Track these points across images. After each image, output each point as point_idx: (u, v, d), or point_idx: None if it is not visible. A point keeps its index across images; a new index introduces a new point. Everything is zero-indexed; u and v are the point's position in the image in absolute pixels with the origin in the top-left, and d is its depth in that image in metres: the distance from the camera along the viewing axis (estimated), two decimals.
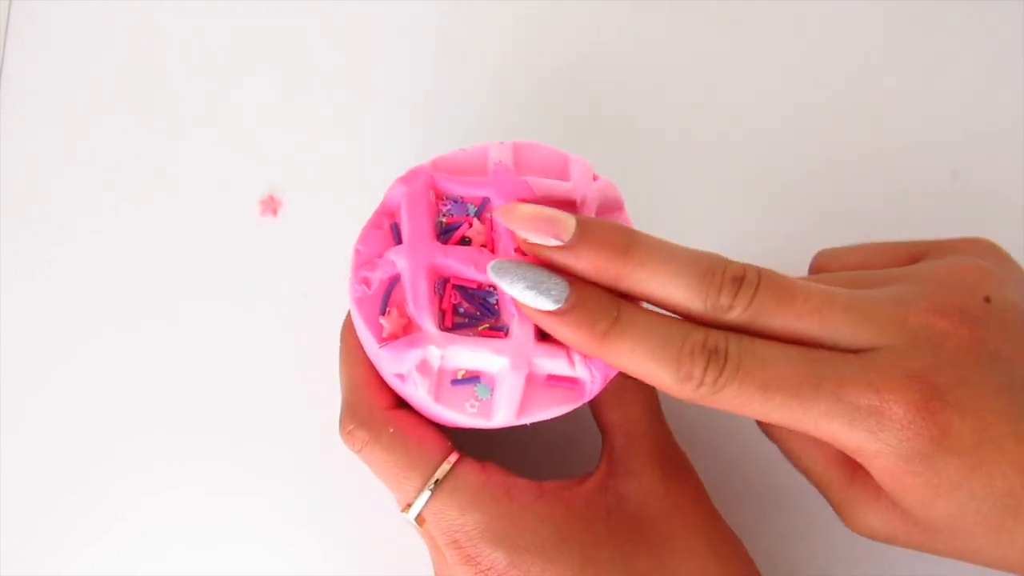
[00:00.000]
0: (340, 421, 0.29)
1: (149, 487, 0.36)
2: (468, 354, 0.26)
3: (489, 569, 0.27)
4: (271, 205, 0.39)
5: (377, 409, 0.29)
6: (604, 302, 0.24)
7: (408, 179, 0.28)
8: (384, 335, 0.26)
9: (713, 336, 0.24)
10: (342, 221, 0.38)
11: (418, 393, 0.26)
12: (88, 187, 0.39)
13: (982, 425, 0.23)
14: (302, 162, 0.39)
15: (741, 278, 0.24)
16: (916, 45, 0.41)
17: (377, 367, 0.28)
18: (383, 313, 0.27)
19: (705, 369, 0.23)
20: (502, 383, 0.26)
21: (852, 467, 0.27)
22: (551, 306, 0.24)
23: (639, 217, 0.30)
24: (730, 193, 0.39)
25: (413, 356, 0.26)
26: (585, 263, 0.24)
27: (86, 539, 0.36)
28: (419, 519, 0.28)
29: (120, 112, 0.40)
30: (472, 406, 0.26)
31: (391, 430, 0.28)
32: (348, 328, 0.31)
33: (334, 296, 0.38)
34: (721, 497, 0.31)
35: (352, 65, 0.41)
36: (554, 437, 0.34)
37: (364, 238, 0.28)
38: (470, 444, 0.30)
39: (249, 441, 0.36)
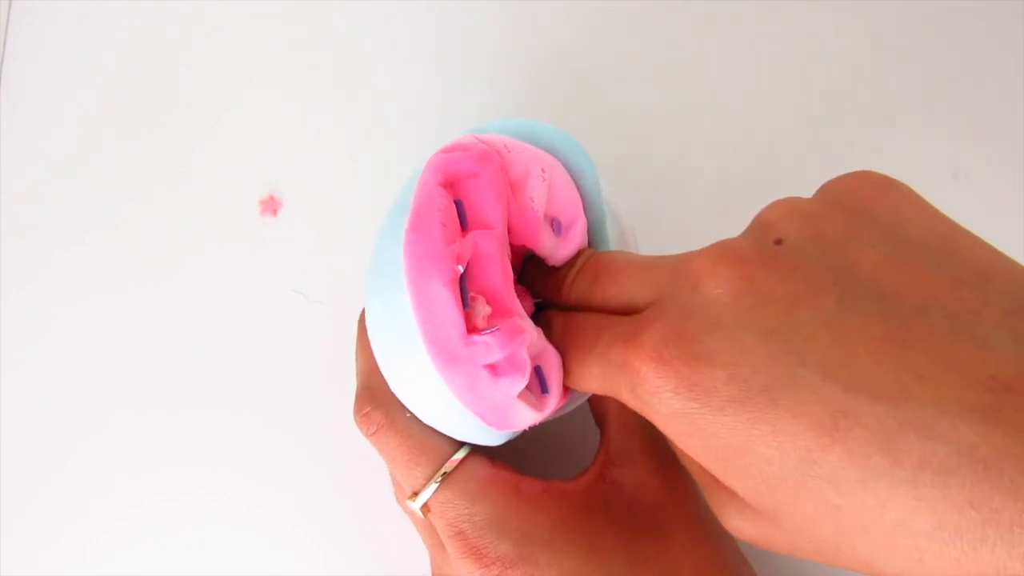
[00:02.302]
0: (355, 404, 0.29)
1: (149, 488, 0.36)
2: (539, 342, 0.25)
3: (495, 561, 0.27)
4: (271, 205, 0.39)
5: (393, 394, 0.29)
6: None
7: (484, 160, 0.24)
8: (478, 323, 0.23)
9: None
10: (342, 221, 0.38)
11: (508, 387, 0.24)
12: (88, 188, 0.39)
13: (742, 374, 0.19)
14: (302, 162, 0.39)
15: (573, 261, 0.26)
16: (916, 45, 0.41)
17: (446, 360, 0.24)
18: (464, 298, 0.23)
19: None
20: (551, 369, 0.25)
21: None
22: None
23: (639, 216, 0.31)
24: (729, 191, 0.39)
25: (518, 344, 0.23)
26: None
27: (86, 539, 0.36)
28: (424, 508, 0.28)
29: (120, 113, 0.40)
30: (531, 398, 0.25)
31: (408, 414, 0.28)
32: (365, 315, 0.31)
33: (334, 296, 0.38)
34: None
35: (352, 66, 0.41)
36: (554, 438, 0.34)
37: (440, 211, 0.24)
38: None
39: (248, 441, 0.36)
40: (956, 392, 0.18)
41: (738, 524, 0.22)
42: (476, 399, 0.24)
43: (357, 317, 0.31)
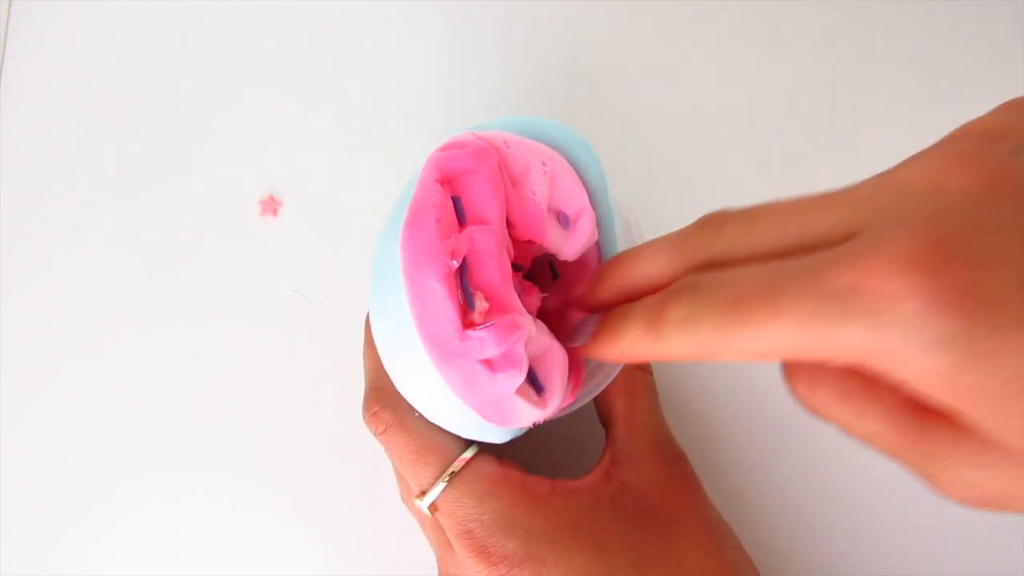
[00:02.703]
0: (364, 403, 0.29)
1: (149, 488, 0.36)
2: (537, 338, 0.24)
3: (502, 560, 0.27)
4: (271, 205, 0.39)
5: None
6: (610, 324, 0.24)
7: (480, 156, 0.24)
8: (475, 318, 0.23)
9: (676, 283, 0.21)
10: (342, 221, 0.38)
11: (505, 383, 0.23)
12: (88, 188, 0.39)
13: None
14: (302, 162, 0.39)
15: (707, 222, 0.22)
16: (916, 45, 0.41)
17: (442, 356, 0.24)
18: (464, 294, 0.23)
19: (672, 308, 0.20)
20: (552, 367, 0.25)
21: (919, 412, 0.20)
22: (585, 340, 0.25)
23: (642, 207, 0.31)
24: (729, 187, 0.39)
25: (514, 340, 0.23)
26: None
27: (86, 539, 0.36)
28: (432, 507, 0.28)
29: (120, 113, 0.40)
30: (532, 395, 0.25)
31: (416, 414, 0.28)
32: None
33: (334, 296, 0.38)
34: (720, 497, 0.31)
35: (352, 66, 0.41)
36: (561, 437, 0.35)
37: (435, 207, 0.24)
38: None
39: (249, 441, 0.36)
40: None
41: (967, 478, 0.19)
42: (474, 395, 0.24)
43: (359, 317, 0.31)
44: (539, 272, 0.31)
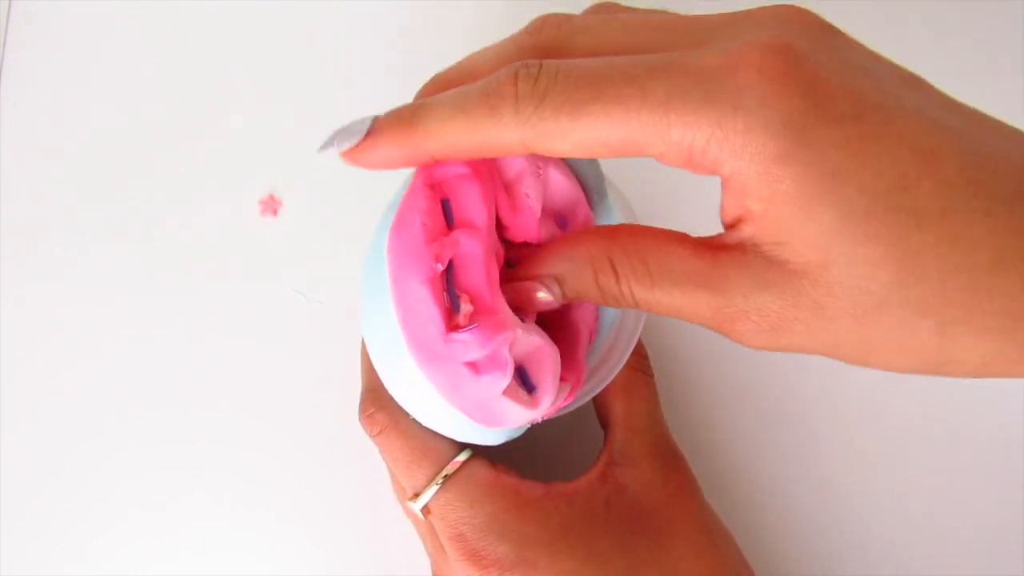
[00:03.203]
0: (360, 405, 0.29)
1: (149, 488, 0.36)
2: (525, 339, 0.24)
3: (494, 564, 0.27)
4: (271, 205, 0.39)
5: None
6: (403, 107, 0.22)
7: (471, 160, 0.24)
8: (460, 320, 0.23)
9: (520, 62, 0.21)
10: (342, 221, 0.38)
11: (490, 385, 0.23)
12: (88, 187, 0.39)
13: (858, 89, 0.19)
14: (302, 162, 0.39)
15: (546, 20, 0.22)
16: (916, 44, 0.41)
17: (427, 358, 0.24)
18: (450, 297, 0.24)
19: (516, 85, 0.20)
20: (543, 367, 0.25)
21: (711, 249, 0.21)
22: (353, 141, 0.23)
23: (641, 207, 0.31)
24: None
25: (498, 342, 0.23)
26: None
27: (86, 539, 0.36)
28: (425, 510, 0.28)
29: (120, 112, 0.40)
30: (522, 395, 0.25)
31: (411, 416, 0.28)
32: None
33: (334, 296, 0.38)
34: (720, 497, 0.31)
35: (352, 65, 0.41)
36: (557, 439, 0.34)
37: (422, 210, 0.24)
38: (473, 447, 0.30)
39: (249, 441, 0.36)
40: None
41: (759, 302, 0.20)
42: (460, 397, 0.24)
43: (358, 317, 0.31)
44: None
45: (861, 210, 0.18)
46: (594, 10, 0.22)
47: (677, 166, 0.20)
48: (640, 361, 0.31)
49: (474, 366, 0.23)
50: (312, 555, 0.35)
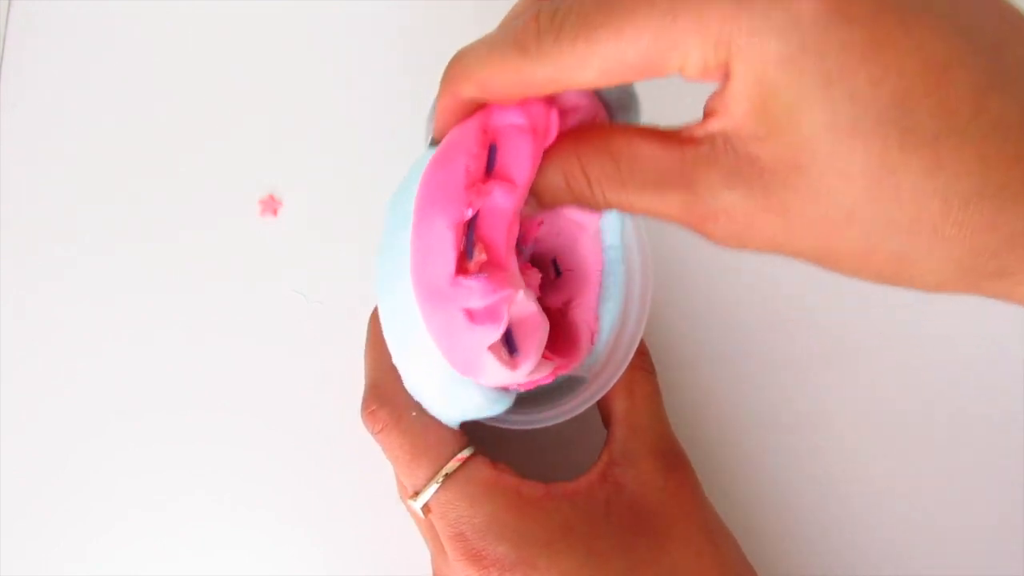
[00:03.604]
0: (363, 401, 0.29)
1: (149, 488, 0.36)
2: (523, 303, 0.24)
3: (493, 564, 0.27)
4: (271, 205, 0.39)
5: (402, 392, 0.29)
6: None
7: (536, 117, 0.23)
8: (471, 267, 0.23)
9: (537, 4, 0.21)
10: (342, 221, 0.38)
11: (482, 336, 0.23)
12: (88, 187, 0.39)
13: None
14: (302, 162, 0.39)
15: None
16: None
17: (429, 296, 0.24)
18: (468, 243, 0.23)
19: (538, 18, 0.20)
20: (530, 334, 0.25)
21: (681, 142, 0.21)
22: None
23: None
24: None
25: (501, 297, 0.23)
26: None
27: (86, 539, 0.36)
28: (425, 509, 0.28)
29: (120, 112, 0.40)
30: (504, 354, 0.24)
31: (413, 414, 0.28)
32: (377, 313, 0.31)
33: (334, 296, 0.38)
34: (721, 497, 0.31)
35: (352, 65, 0.41)
36: (555, 440, 0.34)
37: (468, 152, 0.23)
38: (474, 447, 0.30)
39: (249, 441, 0.36)
40: None
41: (728, 201, 0.20)
42: (450, 341, 0.24)
43: (359, 317, 0.31)
44: (542, 270, 0.31)
45: (847, 119, 0.18)
46: None
47: (700, 79, 0.20)
48: (642, 359, 0.31)
49: (471, 314, 0.23)
50: (312, 555, 0.35)
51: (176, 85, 0.40)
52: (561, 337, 0.29)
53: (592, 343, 0.30)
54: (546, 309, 0.28)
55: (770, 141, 0.19)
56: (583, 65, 0.20)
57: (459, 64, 0.23)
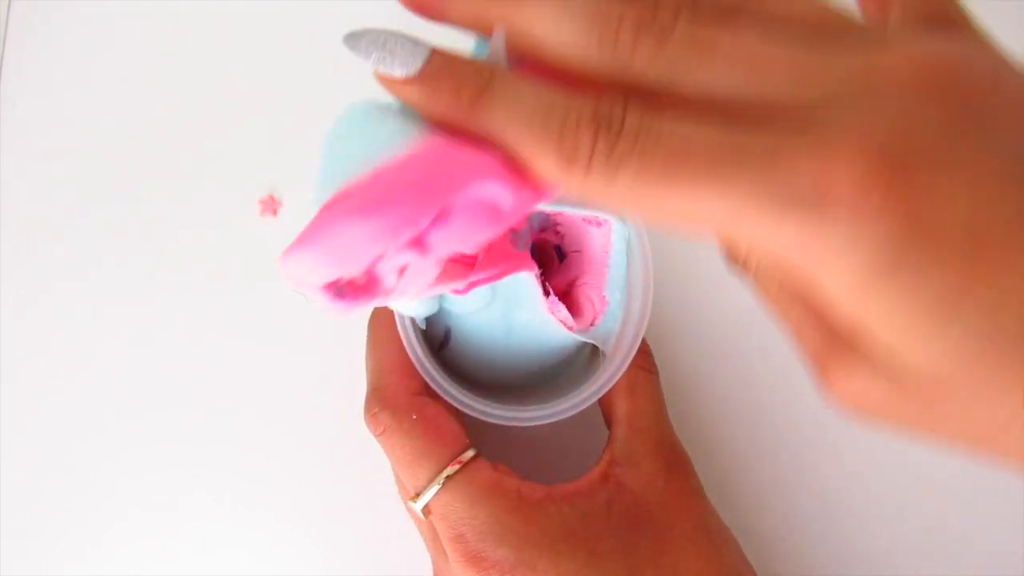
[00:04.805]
0: (365, 404, 0.29)
1: (149, 488, 0.36)
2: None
3: (493, 566, 0.27)
4: (271, 205, 0.39)
5: (403, 394, 0.29)
6: (473, 66, 0.20)
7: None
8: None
9: (608, 100, 0.18)
10: None
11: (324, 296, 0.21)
12: (88, 187, 0.39)
13: (976, 217, 0.16)
14: (302, 162, 0.39)
15: (650, 18, 0.18)
16: None
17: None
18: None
19: (594, 142, 0.17)
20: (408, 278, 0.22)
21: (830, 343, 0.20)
22: (407, 71, 0.20)
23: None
24: None
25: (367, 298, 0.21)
26: (453, 7, 0.20)
27: (86, 539, 0.36)
28: (426, 510, 0.28)
29: (120, 112, 0.40)
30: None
31: (414, 416, 0.28)
32: (376, 315, 0.31)
33: None
34: (721, 498, 0.31)
35: (352, 66, 0.41)
36: (556, 441, 0.34)
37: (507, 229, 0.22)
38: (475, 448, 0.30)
39: (249, 441, 0.36)
40: None
41: (851, 387, 0.18)
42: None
43: (359, 317, 0.31)
44: (544, 256, 0.31)
45: (983, 332, 0.16)
46: (700, 42, 0.18)
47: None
48: (644, 358, 0.31)
49: (336, 288, 0.21)
50: (312, 555, 0.35)
51: (176, 85, 0.40)
52: (569, 308, 0.30)
53: (601, 311, 0.30)
54: (554, 289, 0.28)
55: (905, 356, 0.17)
56: (627, 207, 0.18)
57: (488, 111, 0.19)
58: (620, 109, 0.18)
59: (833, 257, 0.16)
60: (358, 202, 0.19)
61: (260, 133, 0.40)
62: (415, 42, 0.20)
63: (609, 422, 0.31)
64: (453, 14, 0.20)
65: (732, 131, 0.17)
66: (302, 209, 0.39)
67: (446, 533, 0.28)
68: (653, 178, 0.17)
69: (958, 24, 0.19)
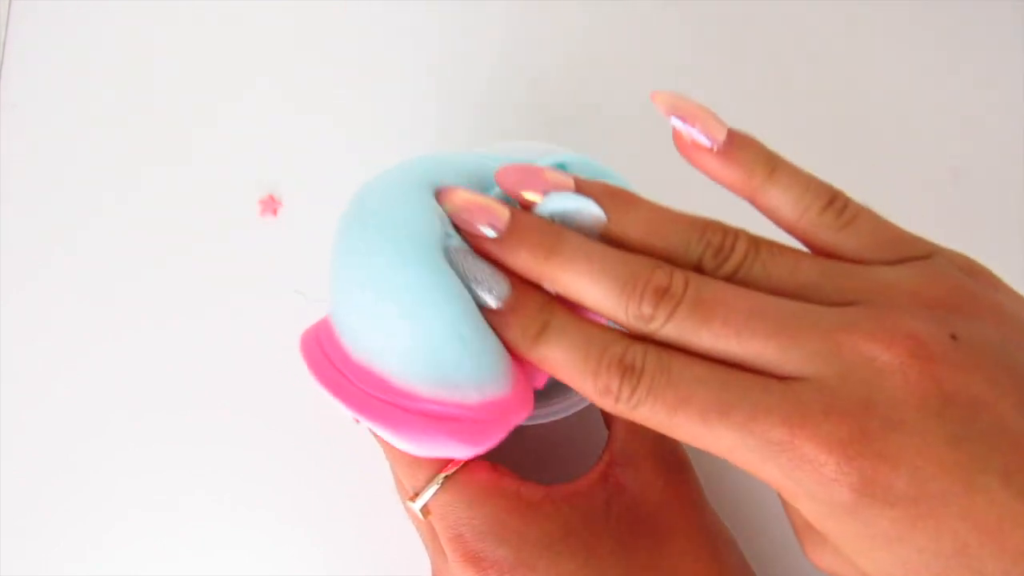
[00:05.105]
0: None
1: (149, 488, 0.36)
2: None
3: (492, 566, 0.27)
4: (271, 205, 0.39)
5: None
6: (537, 306, 0.24)
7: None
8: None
9: (632, 351, 0.23)
10: None
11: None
12: (88, 187, 0.39)
13: (921, 477, 0.20)
14: (302, 162, 0.39)
15: (665, 289, 0.22)
16: (916, 44, 0.41)
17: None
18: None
19: (620, 385, 0.22)
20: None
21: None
22: (492, 304, 0.24)
23: None
24: (732, 204, 0.39)
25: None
26: (513, 259, 0.24)
27: (86, 539, 0.36)
28: (424, 510, 0.28)
29: (120, 112, 0.40)
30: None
31: None
32: None
33: None
34: (721, 498, 0.31)
35: (352, 66, 0.41)
36: (556, 442, 0.34)
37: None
38: None
39: (249, 441, 0.36)
40: None
41: (827, 561, 0.23)
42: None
43: None
44: None
45: (921, 563, 0.20)
46: (701, 309, 0.22)
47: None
48: None
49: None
50: (312, 555, 0.35)
51: (176, 85, 0.40)
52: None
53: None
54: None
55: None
56: (660, 429, 0.23)
57: (543, 347, 0.24)
58: (640, 359, 0.22)
59: (804, 495, 0.21)
60: (467, 434, 0.25)
61: (260, 133, 0.40)
62: (498, 279, 0.25)
63: (608, 422, 0.31)
64: (511, 263, 0.25)
65: (726, 386, 0.21)
66: (302, 209, 0.39)
67: (445, 533, 0.28)
68: (664, 416, 0.22)
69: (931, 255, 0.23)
